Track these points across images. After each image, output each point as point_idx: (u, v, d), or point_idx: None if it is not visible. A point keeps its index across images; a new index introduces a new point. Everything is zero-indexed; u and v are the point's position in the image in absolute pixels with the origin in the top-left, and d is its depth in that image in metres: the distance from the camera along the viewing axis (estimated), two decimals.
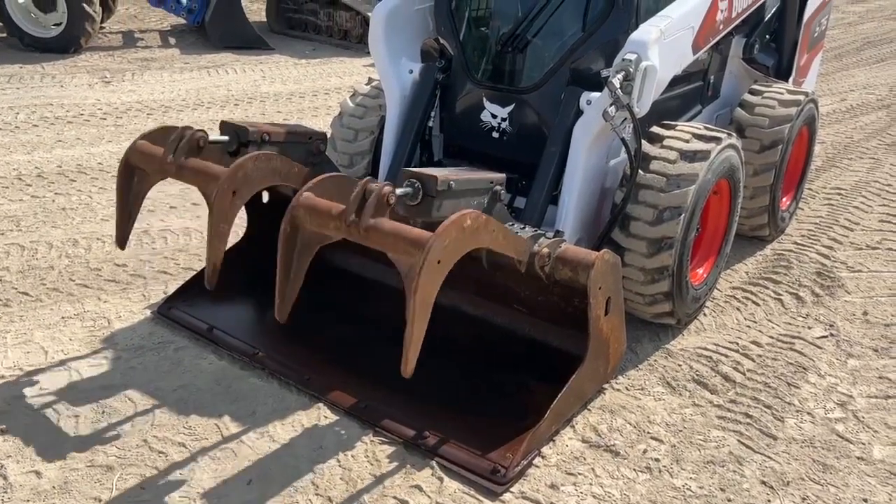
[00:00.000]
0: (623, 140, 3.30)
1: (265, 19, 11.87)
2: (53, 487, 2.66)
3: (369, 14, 4.26)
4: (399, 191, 2.69)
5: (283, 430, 2.98)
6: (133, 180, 3.18)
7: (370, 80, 4.50)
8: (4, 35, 9.63)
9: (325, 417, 3.06)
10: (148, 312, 3.76)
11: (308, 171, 3.29)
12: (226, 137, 3.33)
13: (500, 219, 3.09)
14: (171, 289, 3.89)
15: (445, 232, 2.46)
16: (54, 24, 9.47)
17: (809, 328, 3.86)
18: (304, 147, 3.66)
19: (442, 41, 3.96)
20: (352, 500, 2.66)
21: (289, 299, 2.74)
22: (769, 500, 2.74)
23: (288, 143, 3.52)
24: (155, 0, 10.35)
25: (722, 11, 3.88)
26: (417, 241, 2.46)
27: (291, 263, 2.72)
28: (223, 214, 2.92)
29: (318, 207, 2.68)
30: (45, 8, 9.41)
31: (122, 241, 3.24)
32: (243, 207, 3.86)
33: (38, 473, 2.72)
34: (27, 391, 3.15)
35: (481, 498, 2.67)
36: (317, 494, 2.68)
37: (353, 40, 10.86)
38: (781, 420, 3.15)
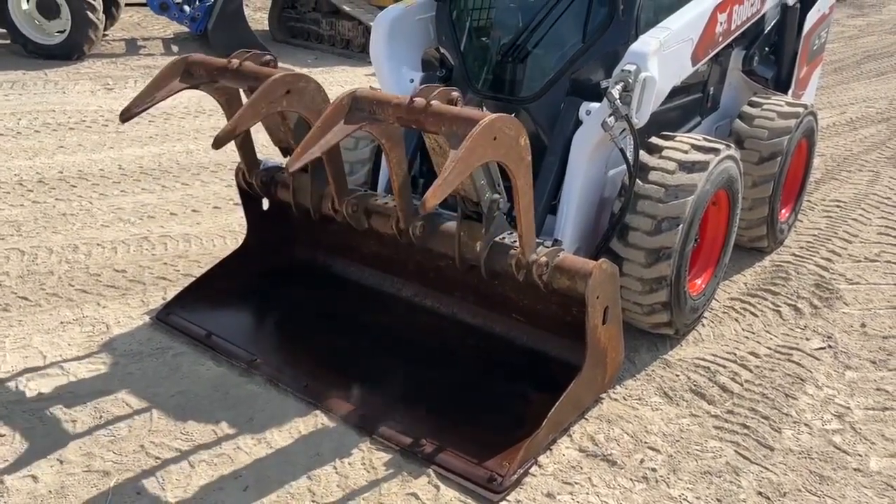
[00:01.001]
0: (622, 150, 3.31)
1: (268, 28, 11.92)
2: (50, 492, 2.66)
3: (371, 23, 4.28)
4: None
5: (280, 437, 2.98)
6: (177, 78, 3.19)
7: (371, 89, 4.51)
8: (8, 41, 9.67)
9: (323, 424, 3.06)
10: (147, 318, 3.77)
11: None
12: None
13: (499, 227, 3.11)
14: (171, 295, 3.90)
15: (510, 120, 2.62)
16: (58, 31, 9.52)
17: (807, 340, 3.86)
18: None
19: (443, 51, 3.99)
20: None
21: (307, 156, 2.69)
22: None
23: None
24: (158, 8, 10.40)
25: (721, 24, 3.91)
26: (481, 115, 2.55)
27: (326, 132, 2.70)
28: (269, 97, 2.90)
29: (378, 94, 2.80)
30: (49, 15, 9.45)
31: (127, 115, 3.14)
32: (243, 215, 3.91)
33: (34, 478, 2.72)
34: (25, 395, 3.15)
35: None
36: (313, 501, 2.67)
37: (355, 49, 10.91)
38: (779, 431, 3.15)
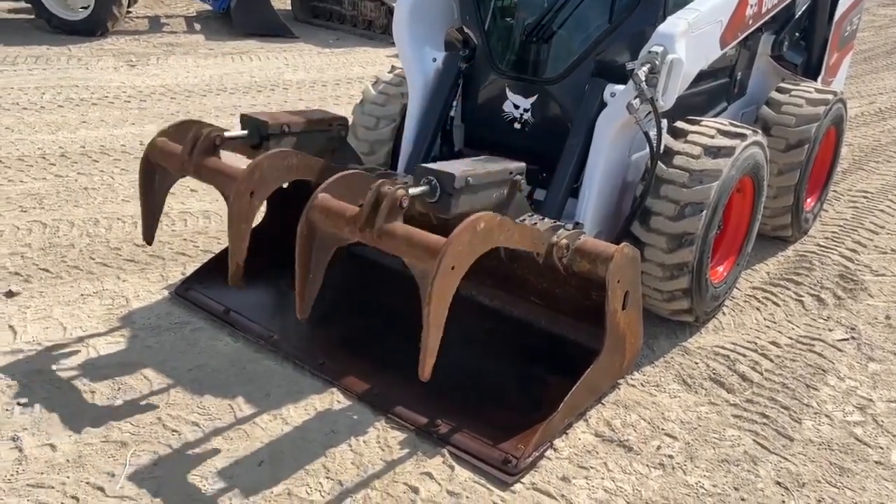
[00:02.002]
0: (646, 134, 3.26)
1: (290, 8, 11.89)
2: (68, 461, 2.69)
3: (394, 4, 4.24)
4: (414, 190, 2.68)
5: (296, 413, 2.99)
6: (155, 177, 3.22)
7: (393, 68, 4.48)
8: (33, 17, 9.72)
9: (339, 402, 3.06)
10: (166, 293, 3.79)
11: (325, 164, 3.29)
12: (244, 132, 3.36)
13: (519, 210, 3.08)
14: (190, 270, 3.91)
15: (458, 238, 2.43)
16: (82, 7, 9.55)
17: (830, 330, 3.81)
18: (324, 135, 3.66)
19: (466, 30, 3.94)
20: (362, 484, 2.66)
21: (309, 298, 2.77)
22: (783, 501, 2.70)
23: (309, 131, 3.53)
24: None
25: (752, 7, 3.83)
26: (431, 248, 2.44)
27: (310, 263, 2.74)
28: (242, 215, 2.96)
29: (333, 210, 2.69)
30: None
31: (148, 237, 3.31)
32: None
33: (53, 447, 2.74)
34: (45, 366, 3.18)
35: (492, 488, 2.66)
36: (327, 478, 2.68)
37: (376, 30, 10.86)
38: (799, 421, 3.11)
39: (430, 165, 2.81)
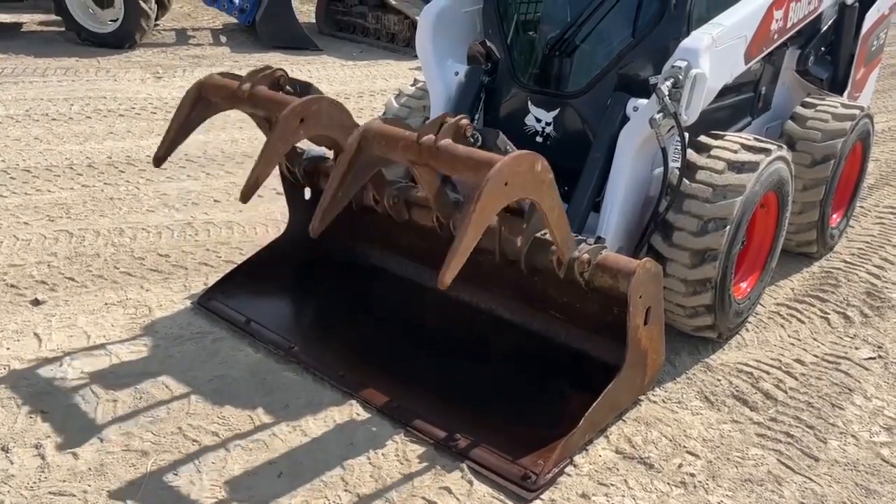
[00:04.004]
0: (662, 150, 3.24)
1: (314, 21, 12.01)
2: (89, 469, 2.71)
3: (417, 17, 4.26)
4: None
5: (315, 425, 2.99)
6: (196, 108, 3.21)
7: (415, 81, 4.51)
8: (63, 29, 9.91)
9: (358, 414, 3.06)
10: (188, 303, 3.82)
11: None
12: (297, 87, 3.36)
13: (541, 223, 3.07)
14: (212, 280, 3.94)
15: (519, 159, 2.48)
16: (111, 20, 9.73)
17: (857, 349, 3.74)
18: None
19: (489, 44, 3.95)
20: (381, 498, 2.65)
21: (329, 215, 2.72)
22: None
23: None
24: None
25: (777, 21, 3.80)
26: (490, 160, 2.46)
27: (344, 182, 2.71)
28: (285, 135, 2.90)
29: (387, 131, 2.72)
30: (103, 4, 9.67)
31: (160, 159, 3.21)
32: (285, 204, 3.93)
33: (75, 455, 2.77)
34: (68, 374, 3.21)
35: (511, 503, 2.64)
36: (346, 490, 2.67)
37: (400, 43, 10.93)
38: (824, 441, 3.06)
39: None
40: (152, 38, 10.36)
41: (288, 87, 3.27)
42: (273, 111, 3.01)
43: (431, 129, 2.63)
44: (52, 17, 10.12)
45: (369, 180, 3.29)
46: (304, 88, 3.32)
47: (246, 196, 2.89)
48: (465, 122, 2.66)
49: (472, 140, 2.73)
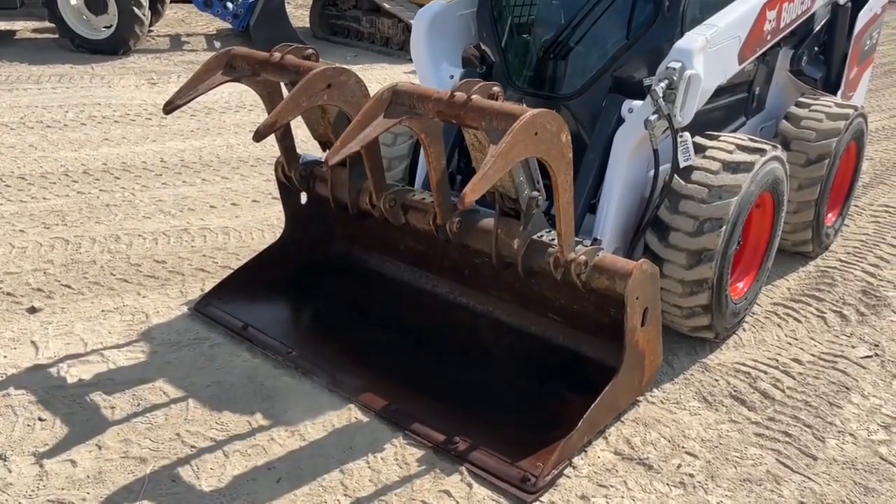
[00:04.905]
0: (655, 152, 3.25)
1: (308, 25, 12.01)
2: (88, 477, 2.70)
3: (411, 21, 4.27)
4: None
5: (313, 430, 2.99)
6: (220, 70, 3.20)
7: None
8: (56, 36, 9.90)
9: (356, 418, 3.05)
10: (185, 309, 3.81)
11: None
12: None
13: (537, 225, 3.08)
14: (209, 286, 3.94)
15: (552, 115, 2.57)
16: (105, 27, 9.72)
17: (853, 347, 3.75)
18: None
19: (483, 47, 3.96)
20: (380, 501, 2.65)
21: (347, 151, 2.70)
22: None
23: None
24: (202, 4, 10.55)
25: (770, 22, 3.82)
26: (522, 110, 2.52)
27: (366, 126, 2.70)
28: (309, 91, 2.90)
29: (418, 88, 2.79)
30: (97, 10, 9.66)
31: (171, 107, 3.13)
32: (282, 209, 3.93)
33: (73, 462, 2.76)
34: (66, 381, 3.21)
35: None
36: (345, 495, 2.67)
37: (394, 47, 10.93)
38: (822, 440, 3.06)
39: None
40: (146, 44, 10.36)
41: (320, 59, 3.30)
42: (297, 77, 3.00)
43: (464, 88, 2.72)
44: (46, 24, 10.11)
45: (366, 185, 3.30)
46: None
47: (260, 136, 2.81)
48: (497, 89, 2.75)
49: (500, 98, 2.80)
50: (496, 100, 2.75)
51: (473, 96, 2.67)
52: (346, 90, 3.04)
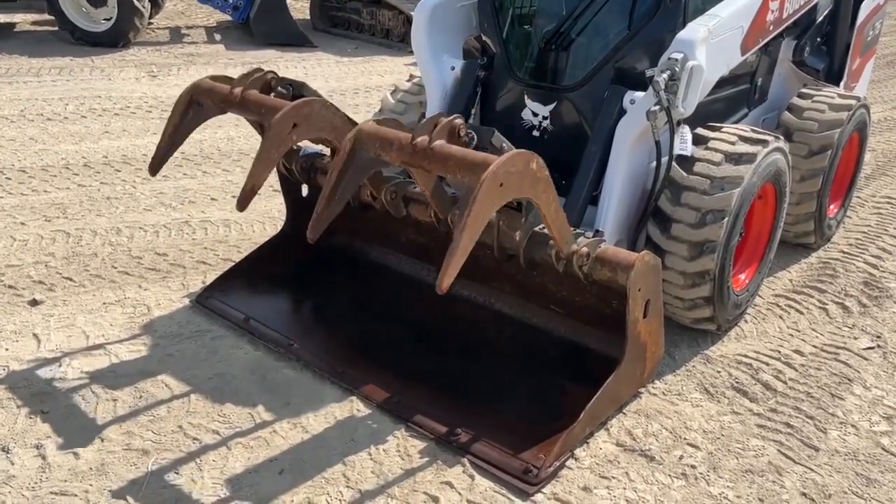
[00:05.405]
0: (657, 143, 3.24)
1: (309, 17, 11.97)
2: (91, 469, 2.71)
3: (412, 13, 4.25)
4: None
5: (316, 422, 2.99)
6: (188, 114, 3.19)
7: (411, 77, 4.50)
8: (56, 29, 9.87)
9: (358, 410, 3.06)
10: (186, 301, 3.81)
11: None
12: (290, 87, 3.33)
13: (539, 217, 3.07)
14: (210, 279, 3.94)
15: (513, 159, 2.47)
16: (104, 19, 9.68)
17: (855, 339, 3.75)
18: None
19: (485, 38, 3.94)
20: (382, 493, 2.65)
21: (325, 220, 2.72)
22: None
23: None
24: None
25: (772, 12, 3.80)
26: (484, 162, 2.45)
27: (339, 185, 2.70)
28: (277, 141, 2.89)
29: (381, 133, 2.71)
30: (96, 3, 9.62)
31: (156, 167, 3.20)
32: (283, 201, 3.93)
33: (76, 454, 2.77)
34: (68, 374, 3.21)
35: (512, 497, 2.65)
36: (347, 486, 2.68)
37: (395, 39, 10.89)
38: (824, 431, 3.06)
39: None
40: (146, 36, 10.33)
41: (280, 88, 3.25)
42: (265, 116, 2.98)
43: (425, 130, 2.62)
44: (46, 16, 10.08)
45: (367, 178, 3.29)
46: (297, 88, 3.30)
47: (243, 204, 2.87)
48: (458, 121, 2.64)
49: (466, 140, 2.72)
50: (459, 135, 2.64)
51: (435, 143, 2.56)
52: (314, 122, 3.00)
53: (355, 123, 3.19)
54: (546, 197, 2.67)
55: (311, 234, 2.74)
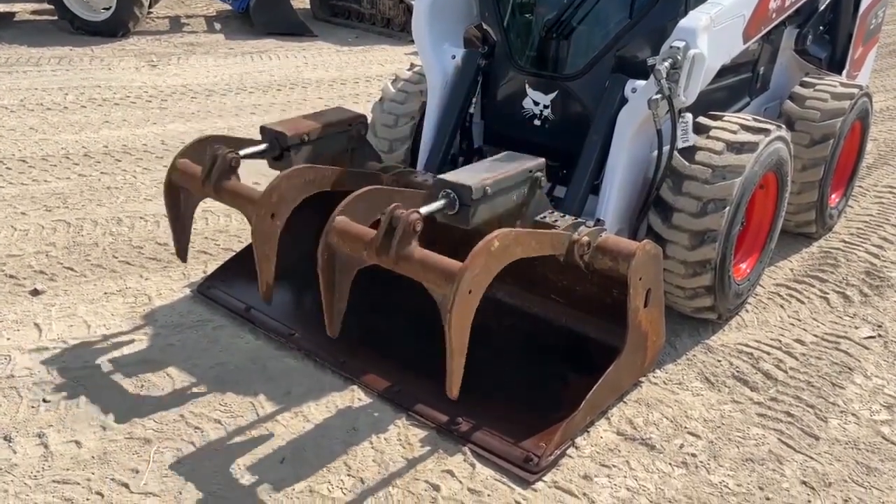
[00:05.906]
0: (658, 132, 3.23)
1: (309, 6, 11.93)
2: (93, 457, 2.71)
3: (413, 2, 4.23)
4: (429, 207, 2.69)
5: (317, 411, 3.00)
6: (180, 197, 3.24)
7: (412, 66, 4.48)
8: (56, 18, 9.84)
9: (359, 400, 3.06)
10: (188, 291, 3.81)
11: (343, 172, 3.28)
12: (264, 146, 3.34)
13: (540, 207, 3.07)
14: (211, 268, 3.94)
15: (474, 262, 2.43)
16: (104, 8, 9.65)
17: (856, 328, 3.75)
18: (344, 135, 3.66)
19: (485, 27, 3.92)
20: (384, 482, 2.66)
21: (338, 317, 2.78)
22: (809, 501, 2.67)
23: (328, 136, 3.53)
24: None
25: (775, 0, 3.77)
26: (447, 274, 2.43)
27: (334, 284, 2.74)
28: (266, 238, 2.98)
29: (351, 233, 2.68)
30: None
31: (181, 253, 3.35)
32: None
33: (78, 443, 2.77)
34: (70, 363, 3.21)
35: (513, 486, 2.66)
36: (349, 475, 2.68)
37: (395, 28, 10.86)
38: (824, 420, 3.07)
39: (446, 177, 2.80)
40: (146, 26, 10.29)
41: (246, 154, 3.22)
42: (243, 209, 3.04)
43: (382, 233, 2.55)
44: (45, 5, 10.05)
45: (366, 173, 3.28)
46: (273, 139, 3.35)
47: (267, 298, 3.08)
48: (413, 218, 2.54)
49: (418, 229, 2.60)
50: (416, 231, 2.55)
51: (403, 252, 2.53)
52: (288, 200, 3.03)
53: (330, 168, 3.22)
54: (523, 249, 2.66)
55: (332, 331, 2.79)
